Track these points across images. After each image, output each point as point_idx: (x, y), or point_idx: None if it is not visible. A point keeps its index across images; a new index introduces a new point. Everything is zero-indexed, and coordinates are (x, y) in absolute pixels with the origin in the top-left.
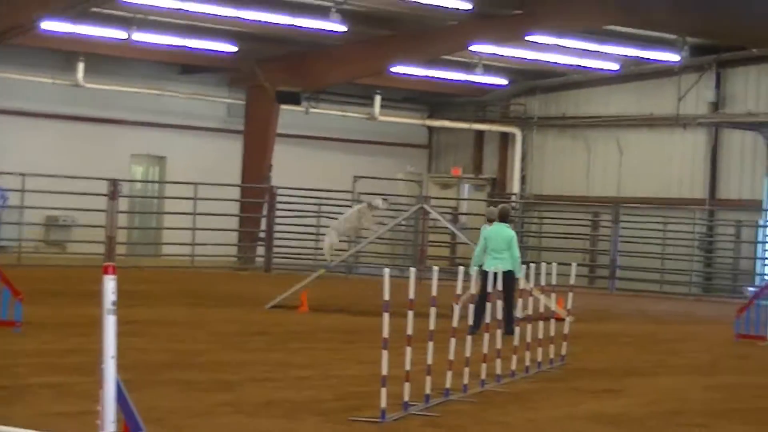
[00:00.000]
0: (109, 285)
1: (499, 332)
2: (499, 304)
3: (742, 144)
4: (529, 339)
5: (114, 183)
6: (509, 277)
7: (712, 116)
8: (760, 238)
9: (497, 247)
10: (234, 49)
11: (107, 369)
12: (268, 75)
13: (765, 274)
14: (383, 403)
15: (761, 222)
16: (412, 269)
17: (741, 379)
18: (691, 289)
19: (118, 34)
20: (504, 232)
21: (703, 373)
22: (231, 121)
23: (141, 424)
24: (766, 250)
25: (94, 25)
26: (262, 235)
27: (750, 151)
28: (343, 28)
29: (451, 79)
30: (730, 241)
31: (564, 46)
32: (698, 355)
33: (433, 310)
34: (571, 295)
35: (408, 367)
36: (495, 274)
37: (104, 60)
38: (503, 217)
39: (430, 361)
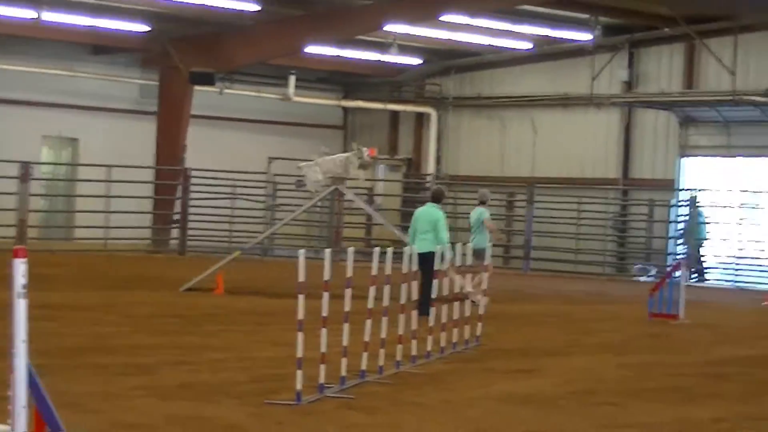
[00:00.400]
0: (20, 268)
1: (414, 313)
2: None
3: (655, 123)
4: (444, 320)
5: (25, 166)
6: (429, 258)
7: (625, 96)
8: (672, 218)
9: (422, 228)
10: (146, 29)
11: (18, 353)
12: (182, 55)
13: (677, 254)
14: (299, 386)
15: (673, 201)
16: (328, 251)
17: (653, 358)
18: (605, 269)
19: (27, 13)
20: (431, 213)
21: (617, 352)
22: (144, 103)
23: (53, 409)
24: (678, 230)
25: (3, 4)
26: (176, 217)
27: (663, 130)
28: (256, 7)
29: (366, 59)
30: (644, 221)
31: (477, 26)
32: (612, 335)
33: (348, 292)
34: (486, 275)
35: (323, 348)
36: (419, 254)
37: (14, 40)
38: (435, 198)
39: (345, 342)
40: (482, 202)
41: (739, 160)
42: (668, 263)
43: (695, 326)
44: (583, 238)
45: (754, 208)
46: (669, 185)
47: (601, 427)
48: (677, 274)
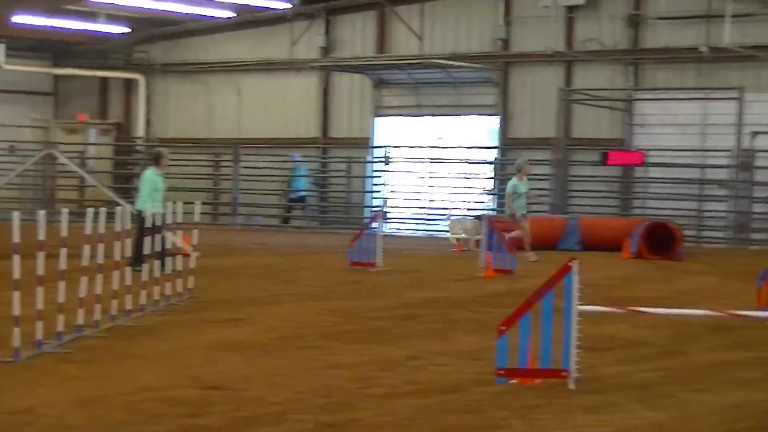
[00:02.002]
0: None
1: (129, 269)
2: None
3: (351, 86)
4: (157, 274)
5: None
6: (140, 216)
7: (322, 60)
8: (368, 173)
9: (140, 189)
10: None
11: None
12: None
13: (374, 207)
14: (16, 343)
15: (369, 158)
16: (42, 212)
17: (354, 303)
18: (308, 222)
19: None
20: (146, 174)
21: (320, 299)
22: None
23: None
24: (374, 185)
25: None
26: None
27: (358, 92)
28: None
29: (75, 28)
30: (343, 177)
31: None
32: (315, 283)
33: (63, 251)
34: (196, 231)
35: (40, 306)
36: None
37: None
38: (154, 161)
39: (61, 299)
40: (518, 171)
41: (427, 119)
42: (365, 215)
43: (392, 272)
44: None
45: (440, 162)
46: (365, 143)
47: (307, 369)
48: (374, 225)
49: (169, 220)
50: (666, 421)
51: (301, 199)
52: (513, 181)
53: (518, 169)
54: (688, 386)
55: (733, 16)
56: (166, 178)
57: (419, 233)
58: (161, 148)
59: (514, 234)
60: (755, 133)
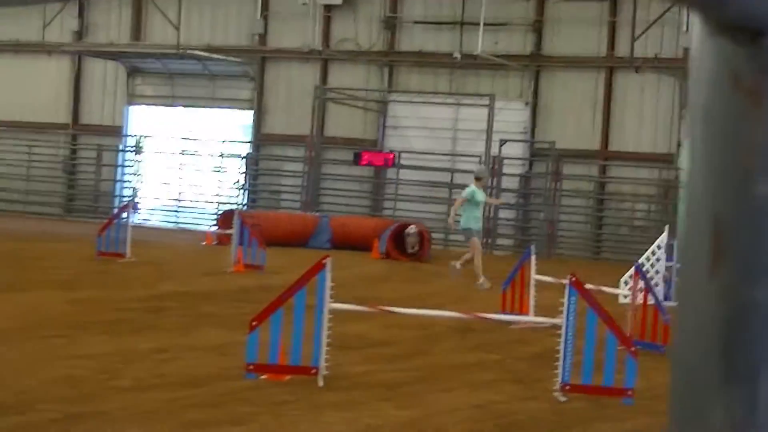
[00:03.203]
0: None
1: None
2: None
3: (104, 72)
4: None
5: None
6: None
7: (75, 45)
8: (120, 162)
9: None
10: None
11: None
12: None
13: (124, 196)
14: None
15: (121, 147)
16: None
17: (101, 293)
18: (54, 210)
19: None
20: None
21: (66, 288)
22: None
23: None
24: (125, 173)
25: None
26: None
27: (112, 79)
28: None
29: None
30: (92, 164)
31: None
32: (61, 272)
33: None
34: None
35: None
36: None
37: None
38: None
39: None
40: (476, 179)
41: (181, 110)
42: (115, 205)
43: (141, 264)
44: (34, 180)
45: (193, 154)
46: (117, 131)
47: (51, 358)
48: (124, 215)
49: None
50: (412, 420)
51: None
52: (471, 188)
53: (479, 177)
54: (434, 386)
55: (486, 24)
56: None
57: (170, 225)
58: None
59: (467, 256)
60: (504, 141)
